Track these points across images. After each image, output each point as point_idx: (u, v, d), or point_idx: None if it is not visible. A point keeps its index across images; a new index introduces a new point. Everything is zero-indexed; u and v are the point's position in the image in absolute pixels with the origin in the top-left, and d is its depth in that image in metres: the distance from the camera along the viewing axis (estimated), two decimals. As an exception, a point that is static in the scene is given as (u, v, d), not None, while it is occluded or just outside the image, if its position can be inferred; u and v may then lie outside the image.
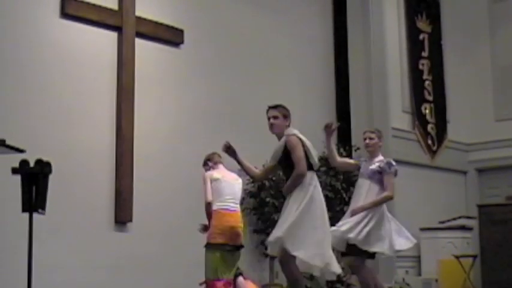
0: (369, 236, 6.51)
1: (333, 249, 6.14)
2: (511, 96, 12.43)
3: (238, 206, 7.09)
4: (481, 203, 11.69)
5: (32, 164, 5.41)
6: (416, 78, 12.08)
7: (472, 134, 12.71)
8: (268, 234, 6.38)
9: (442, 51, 12.69)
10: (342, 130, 10.89)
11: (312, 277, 8.35)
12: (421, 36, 12.33)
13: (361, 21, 11.08)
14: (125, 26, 8.63)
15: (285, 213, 5.90)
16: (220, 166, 7.20)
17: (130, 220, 8.43)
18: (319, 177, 9.93)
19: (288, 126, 6.13)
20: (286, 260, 5.86)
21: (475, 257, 10.36)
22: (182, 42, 9.28)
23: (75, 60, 8.28)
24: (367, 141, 6.99)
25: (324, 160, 10.24)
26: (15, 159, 5.43)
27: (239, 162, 6.44)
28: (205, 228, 7.09)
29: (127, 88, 8.55)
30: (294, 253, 5.77)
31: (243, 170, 6.55)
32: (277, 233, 5.85)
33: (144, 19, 8.87)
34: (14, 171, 5.39)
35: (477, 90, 12.79)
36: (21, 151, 5.52)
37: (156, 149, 8.73)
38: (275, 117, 6.14)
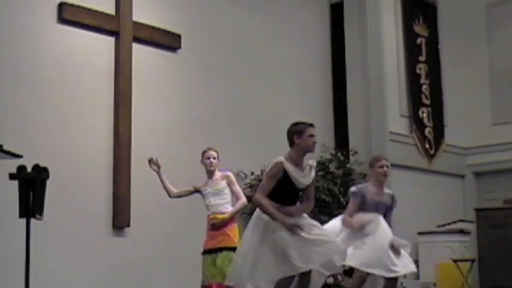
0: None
1: None
2: (508, 100, 12.44)
3: None
4: (478, 206, 11.68)
5: (29, 170, 5.40)
6: (413, 82, 12.08)
7: (470, 138, 12.72)
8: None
9: (439, 55, 12.70)
10: (340, 135, 10.90)
11: None
12: (418, 41, 12.34)
13: (358, 26, 11.08)
14: (122, 30, 8.63)
15: None
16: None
17: (128, 225, 8.42)
18: (316, 181, 10.02)
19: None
20: None
21: (473, 260, 10.35)
22: (179, 47, 9.29)
23: (72, 64, 8.28)
24: (386, 169, 6.76)
25: (321, 164, 10.27)
26: (12, 165, 5.42)
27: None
28: None
29: (124, 93, 8.55)
30: None
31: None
32: None
33: (142, 24, 8.88)
34: (12, 176, 5.38)
35: (474, 94, 12.80)
36: (18, 156, 5.51)
37: (154, 154, 8.70)
38: None
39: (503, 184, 12.40)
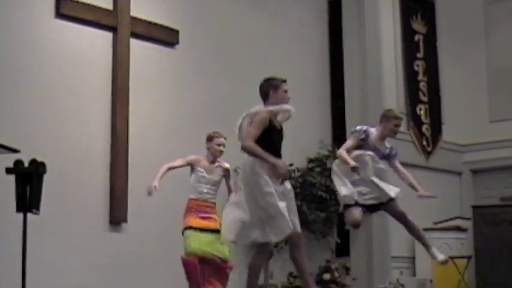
0: None
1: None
2: (505, 97, 12.42)
3: None
4: (475, 204, 11.67)
5: (26, 164, 5.40)
6: (411, 79, 12.07)
7: (467, 135, 12.70)
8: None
9: (437, 52, 12.69)
10: (337, 131, 10.89)
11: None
12: (416, 37, 12.32)
13: (356, 22, 11.07)
14: (119, 26, 8.62)
15: None
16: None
17: (125, 220, 8.42)
18: (313, 177, 10.03)
19: None
20: None
21: (469, 257, 10.36)
22: (177, 42, 9.28)
23: (69, 60, 8.28)
24: (399, 129, 7.11)
25: (318, 161, 10.27)
26: (9, 159, 5.42)
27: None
28: None
29: (122, 88, 8.55)
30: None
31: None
32: None
33: (139, 19, 8.87)
34: (8, 171, 5.39)
35: (472, 91, 12.78)
36: (15, 151, 5.51)
37: (151, 149, 8.72)
38: None
39: (500, 181, 12.39)
